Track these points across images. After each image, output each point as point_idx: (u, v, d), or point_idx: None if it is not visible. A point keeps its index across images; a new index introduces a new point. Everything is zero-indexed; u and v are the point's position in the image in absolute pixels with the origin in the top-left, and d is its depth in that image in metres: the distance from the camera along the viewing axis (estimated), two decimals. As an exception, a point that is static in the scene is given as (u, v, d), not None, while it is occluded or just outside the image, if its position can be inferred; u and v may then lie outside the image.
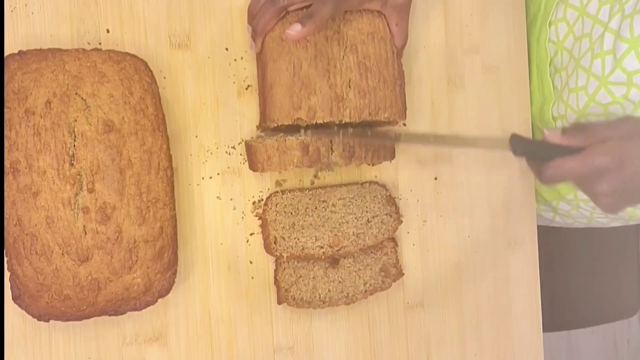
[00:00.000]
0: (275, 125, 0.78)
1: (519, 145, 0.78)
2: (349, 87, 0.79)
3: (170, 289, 0.77)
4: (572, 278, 1.26)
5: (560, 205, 0.97)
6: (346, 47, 0.80)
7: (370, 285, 0.85)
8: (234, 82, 0.84)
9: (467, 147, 0.84)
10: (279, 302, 0.83)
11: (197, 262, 0.83)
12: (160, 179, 0.75)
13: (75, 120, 0.72)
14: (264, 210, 0.83)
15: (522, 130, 0.93)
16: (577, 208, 0.96)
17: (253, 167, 0.81)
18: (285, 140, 0.78)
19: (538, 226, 0.95)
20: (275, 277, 0.84)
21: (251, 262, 0.84)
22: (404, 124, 0.89)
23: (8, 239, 0.71)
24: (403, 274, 0.87)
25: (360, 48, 0.80)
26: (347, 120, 0.79)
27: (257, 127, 0.84)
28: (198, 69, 0.83)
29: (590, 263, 1.27)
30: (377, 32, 0.80)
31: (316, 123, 0.79)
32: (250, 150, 0.81)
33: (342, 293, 0.84)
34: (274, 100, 0.78)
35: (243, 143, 0.84)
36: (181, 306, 0.82)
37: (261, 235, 0.84)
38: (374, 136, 0.82)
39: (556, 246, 1.18)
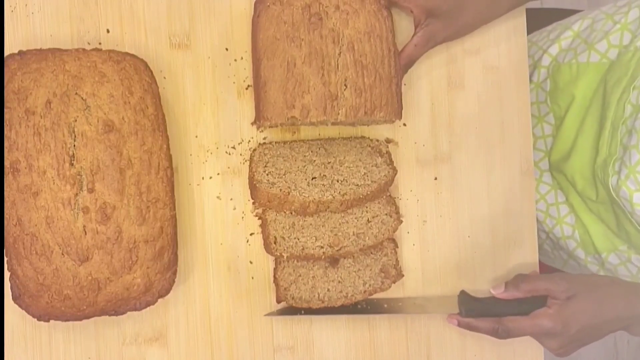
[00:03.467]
0: (269, 123, 0.79)
1: (465, 304, 0.85)
2: (345, 85, 0.79)
3: (170, 289, 0.77)
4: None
5: (610, 258, 0.98)
6: (342, 45, 0.79)
7: (370, 285, 0.85)
8: (234, 82, 0.84)
9: (417, 312, 0.88)
10: (278, 301, 0.83)
11: (197, 262, 0.82)
12: (160, 179, 0.75)
13: (75, 120, 0.72)
14: (263, 210, 0.83)
15: (521, 132, 0.92)
16: (626, 263, 0.97)
17: (253, 198, 0.83)
18: (288, 193, 0.80)
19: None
20: (274, 276, 0.84)
21: (251, 262, 0.84)
22: (404, 124, 0.89)
23: (8, 239, 0.71)
24: (403, 275, 0.87)
25: (357, 46, 0.79)
26: (342, 119, 0.79)
27: (252, 124, 0.84)
28: (198, 69, 0.83)
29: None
30: (373, 30, 0.80)
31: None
32: (253, 186, 0.82)
33: (341, 293, 0.84)
34: (267, 99, 0.78)
35: (244, 143, 0.84)
36: (181, 306, 0.82)
37: (261, 235, 0.83)
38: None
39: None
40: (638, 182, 0.82)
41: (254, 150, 0.83)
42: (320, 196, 0.81)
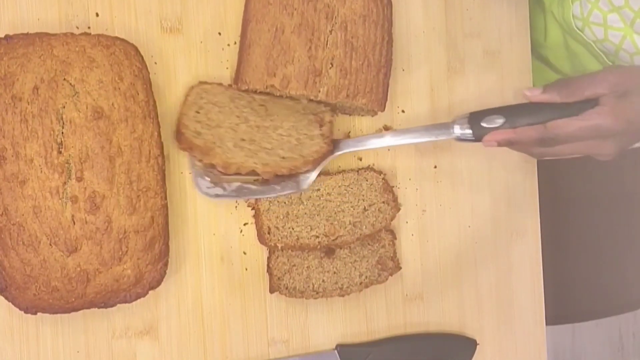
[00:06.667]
0: (247, 87, 0.77)
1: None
2: (331, 64, 0.78)
3: (162, 280, 0.76)
4: (576, 269, 1.25)
5: None
6: (335, 23, 0.79)
7: (366, 277, 0.84)
8: (227, 68, 0.82)
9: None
10: (271, 291, 0.82)
11: (189, 253, 0.81)
12: (151, 167, 0.74)
13: (64, 107, 0.71)
14: (256, 200, 0.82)
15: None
16: None
17: (177, 140, 0.77)
18: (211, 149, 0.75)
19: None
20: (268, 265, 0.82)
21: (245, 253, 0.83)
22: (402, 111, 0.88)
23: (-6, 229, 0.70)
24: (400, 268, 0.86)
25: (350, 27, 0.79)
26: (323, 98, 0.78)
27: (230, 85, 0.81)
28: (190, 53, 0.81)
29: (595, 253, 1.27)
30: (370, 15, 0.79)
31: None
32: (179, 129, 0.77)
33: (336, 284, 0.83)
34: (249, 62, 0.77)
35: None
36: (173, 298, 0.81)
37: (255, 225, 0.82)
38: None
39: (560, 236, 1.17)
40: (610, 2, 0.79)
41: (192, 88, 0.79)
42: (243, 161, 0.75)
